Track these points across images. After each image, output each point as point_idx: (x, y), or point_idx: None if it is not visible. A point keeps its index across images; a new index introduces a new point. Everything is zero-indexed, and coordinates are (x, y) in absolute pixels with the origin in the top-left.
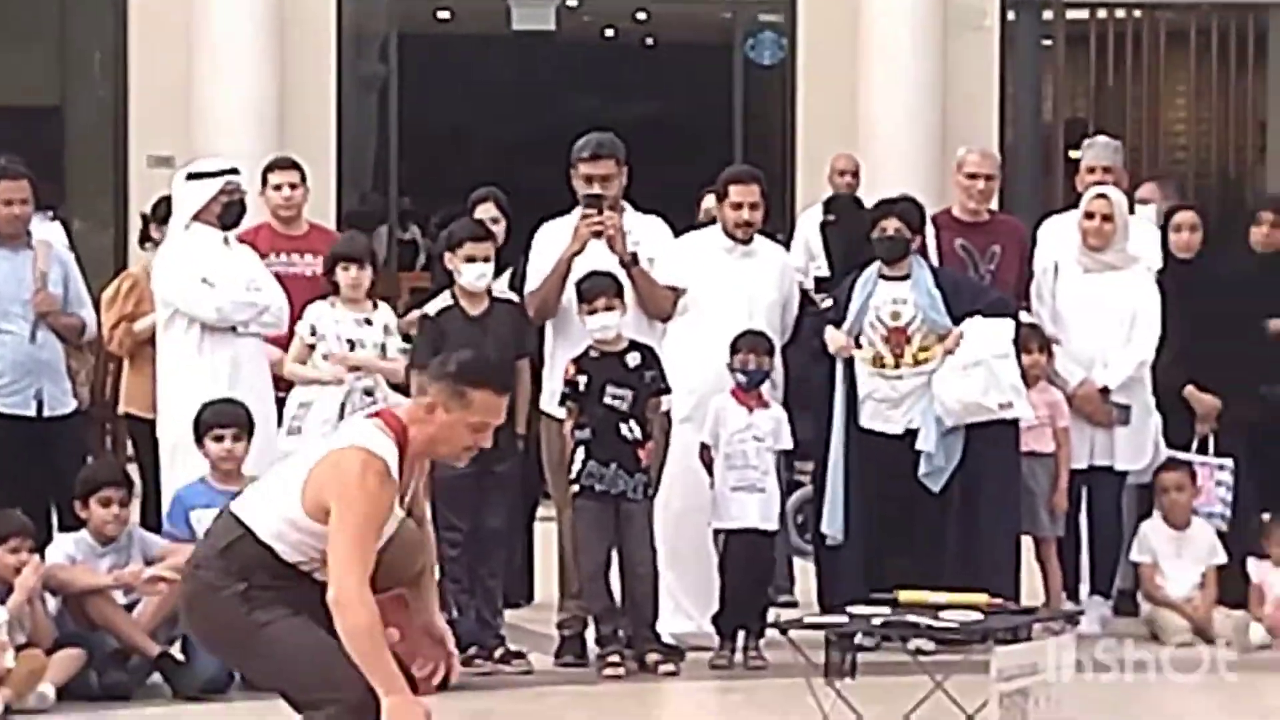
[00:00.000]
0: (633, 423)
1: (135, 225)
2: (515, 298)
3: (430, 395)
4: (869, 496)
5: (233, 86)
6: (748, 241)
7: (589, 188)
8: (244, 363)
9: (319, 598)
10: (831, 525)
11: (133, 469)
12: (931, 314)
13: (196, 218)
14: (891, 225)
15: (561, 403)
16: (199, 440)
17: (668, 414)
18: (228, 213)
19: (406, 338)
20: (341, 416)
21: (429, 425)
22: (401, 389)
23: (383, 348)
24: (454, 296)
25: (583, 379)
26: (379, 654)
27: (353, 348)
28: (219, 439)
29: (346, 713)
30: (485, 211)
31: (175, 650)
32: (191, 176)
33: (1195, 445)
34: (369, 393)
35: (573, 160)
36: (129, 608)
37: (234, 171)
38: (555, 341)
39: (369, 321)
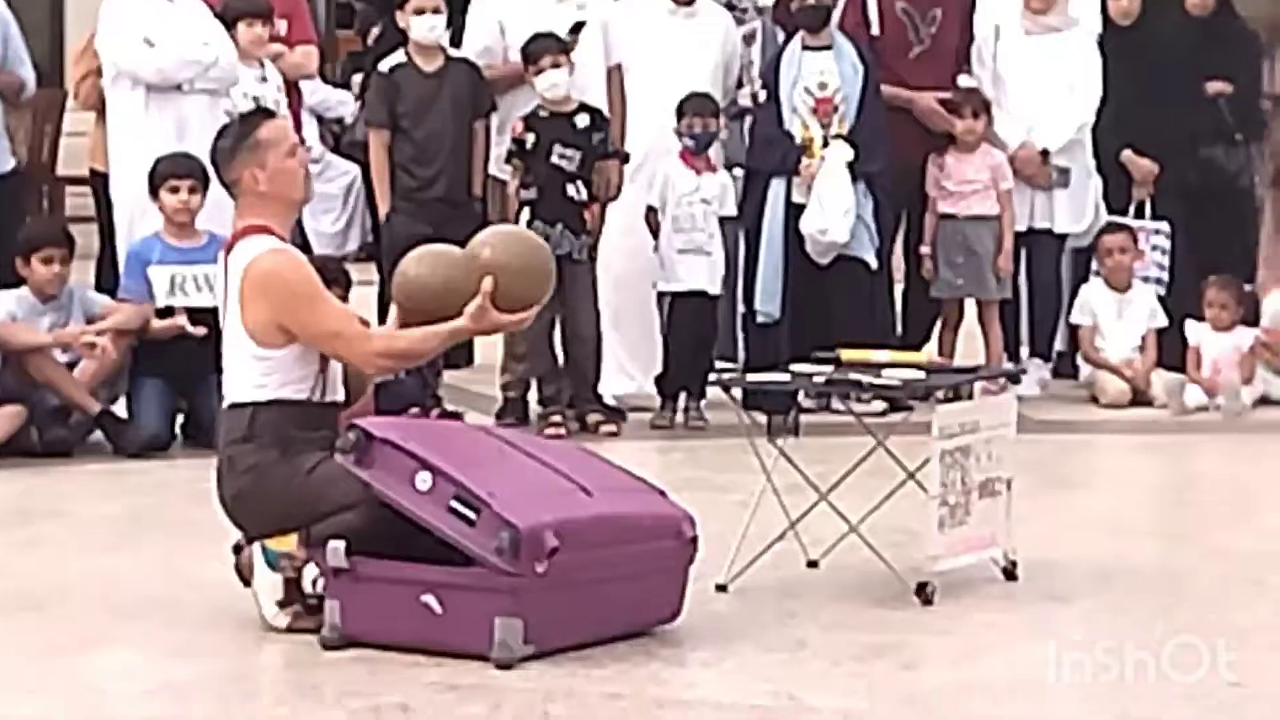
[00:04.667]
0: (579, 183)
1: None
2: (470, 56)
3: (240, 172)
4: (800, 274)
5: None
6: (690, 3)
7: None
8: (192, 121)
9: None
10: (766, 303)
11: (93, 227)
12: (855, 83)
13: None
14: None
15: (508, 160)
16: (154, 192)
17: (620, 180)
18: None
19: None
20: None
21: (266, 193)
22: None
23: (275, 104)
24: (407, 54)
25: (530, 137)
26: (430, 338)
27: (257, 105)
28: (174, 190)
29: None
30: None
31: (118, 409)
32: None
33: (1133, 209)
34: None
35: None
36: (70, 366)
37: None
38: (505, 107)
39: (265, 79)
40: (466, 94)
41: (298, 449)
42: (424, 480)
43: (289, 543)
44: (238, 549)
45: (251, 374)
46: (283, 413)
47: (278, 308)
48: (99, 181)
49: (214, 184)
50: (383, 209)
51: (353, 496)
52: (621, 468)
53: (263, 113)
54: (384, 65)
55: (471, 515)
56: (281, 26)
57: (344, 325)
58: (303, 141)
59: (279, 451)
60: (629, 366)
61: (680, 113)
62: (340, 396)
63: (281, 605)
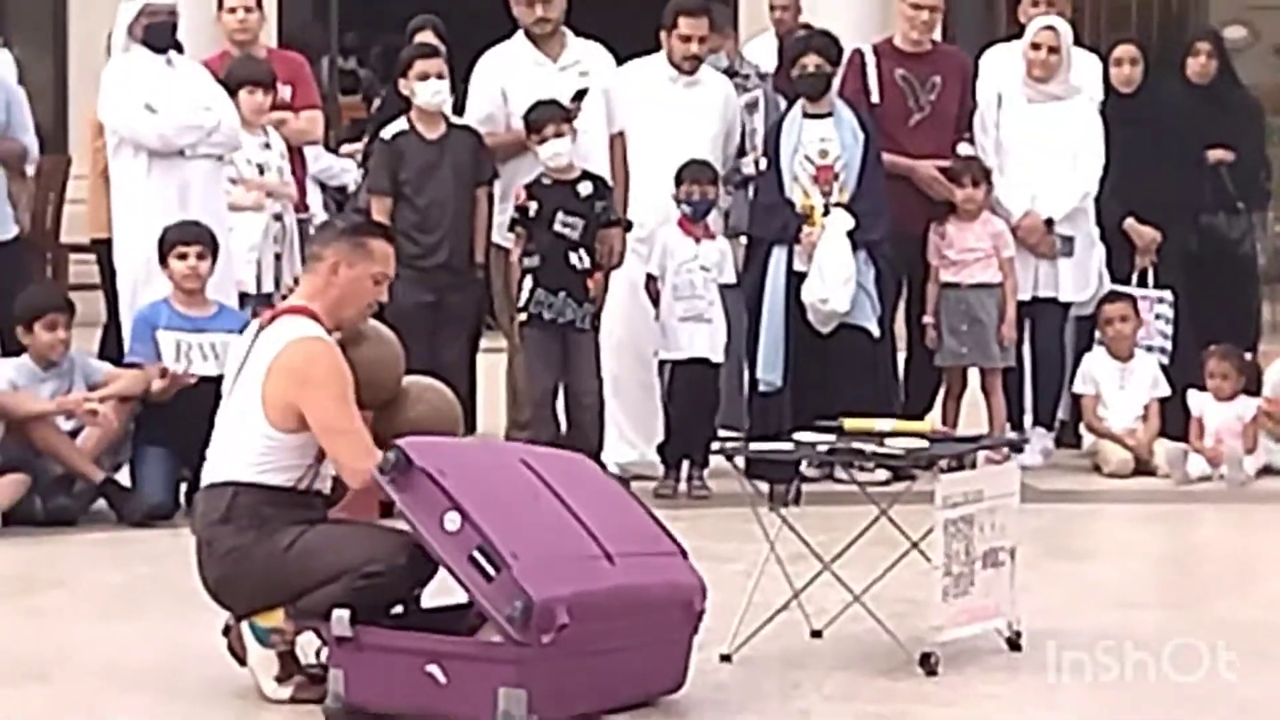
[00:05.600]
0: (582, 251)
1: (75, 52)
2: (473, 124)
3: (329, 256)
4: (803, 342)
5: None
6: (692, 72)
7: (531, 11)
8: (195, 187)
9: (323, 511)
10: (768, 371)
11: (97, 295)
12: (855, 151)
13: (132, 39)
14: (811, 61)
15: (510, 228)
16: (163, 260)
17: (623, 248)
18: (151, 34)
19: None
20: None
21: (332, 288)
22: None
23: (279, 171)
24: (410, 121)
25: (533, 205)
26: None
27: (262, 172)
28: (183, 256)
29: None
30: (425, 39)
31: (121, 477)
32: None
33: (1135, 278)
34: (278, 217)
35: None
36: (73, 434)
37: None
38: (508, 174)
39: (268, 146)
40: (468, 161)
41: (273, 527)
42: (453, 521)
43: (276, 618)
44: (227, 630)
45: (250, 452)
46: (262, 495)
47: (302, 392)
48: (101, 249)
49: (222, 252)
50: None
51: (334, 568)
52: (652, 515)
53: (385, 231)
54: (386, 132)
55: (491, 571)
56: (285, 92)
57: (353, 429)
58: (306, 208)
59: (255, 531)
60: (630, 434)
61: (679, 180)
62: (326, 488)
63: (280, 679)
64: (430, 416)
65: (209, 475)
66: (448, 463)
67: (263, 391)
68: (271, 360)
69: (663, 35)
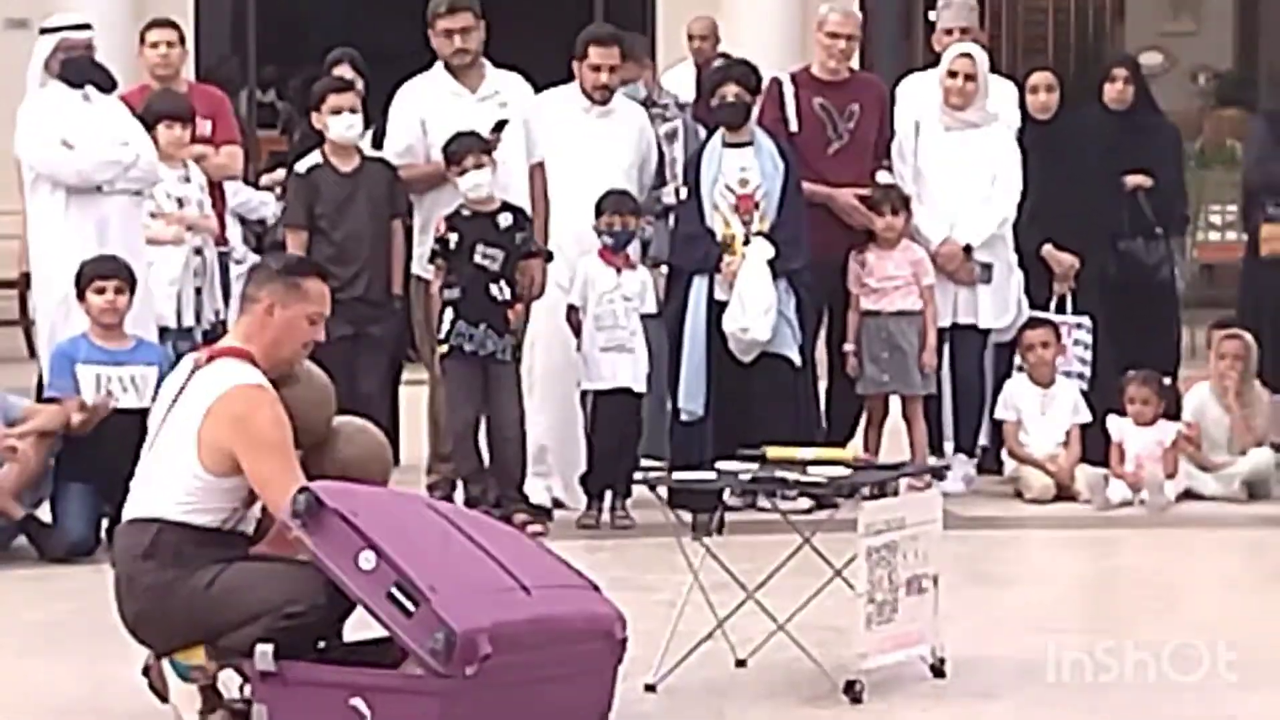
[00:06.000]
0: (503, 283)
1: None
2: (387, 156)
3: (264, 297)
4: (724, 371)
5: None
6: (605, 102)
7: (449, 43)
8: (113, 222)
9: (244, 549)
10: (690, 401)
11: (16, 330)
12: (775, 180)
13: (49, 74)
14: (730, 91)
15: (431, 260)
16: (80, 295)
17: (543, 279)
18: (68, 69)
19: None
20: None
21: (268, 330)
22: None
23: (199, 205)
24: (324, 155)
25: (453, 237)
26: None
27: (181, 205)
28: (100, 291)
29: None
30: (342, 73)
31: (41, 513)
32: (43, 31)
33: (1054, 304)
34: (198, 251)
35: (430, 17)
36: None
37: (82, 27)
38: (427, 205)
39: (188, 179)
40: (383, 193)
41: (195, 565)
42: (367, 560)
43: (198, 655)
44: (146, 670)
45: (177, 491)
46: (185, 535)
47: (241, 441)
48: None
49: (140, 287)
50: None
51: (255, 607)
52: (559, 558)
53: (318, 270)
54: (301, 166)
55: (410, 606)
56: (205, 127)
57: (290, 475)
58: (225, 242)
59: (176, 570)
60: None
61: (599, 210)
62: (250, 530)
63: (203, 714)
64: (361, 458)
65: (132, 510)
66: (359, 504)
67: (198, 433)
68: (211, 403)
69: (575, 65)
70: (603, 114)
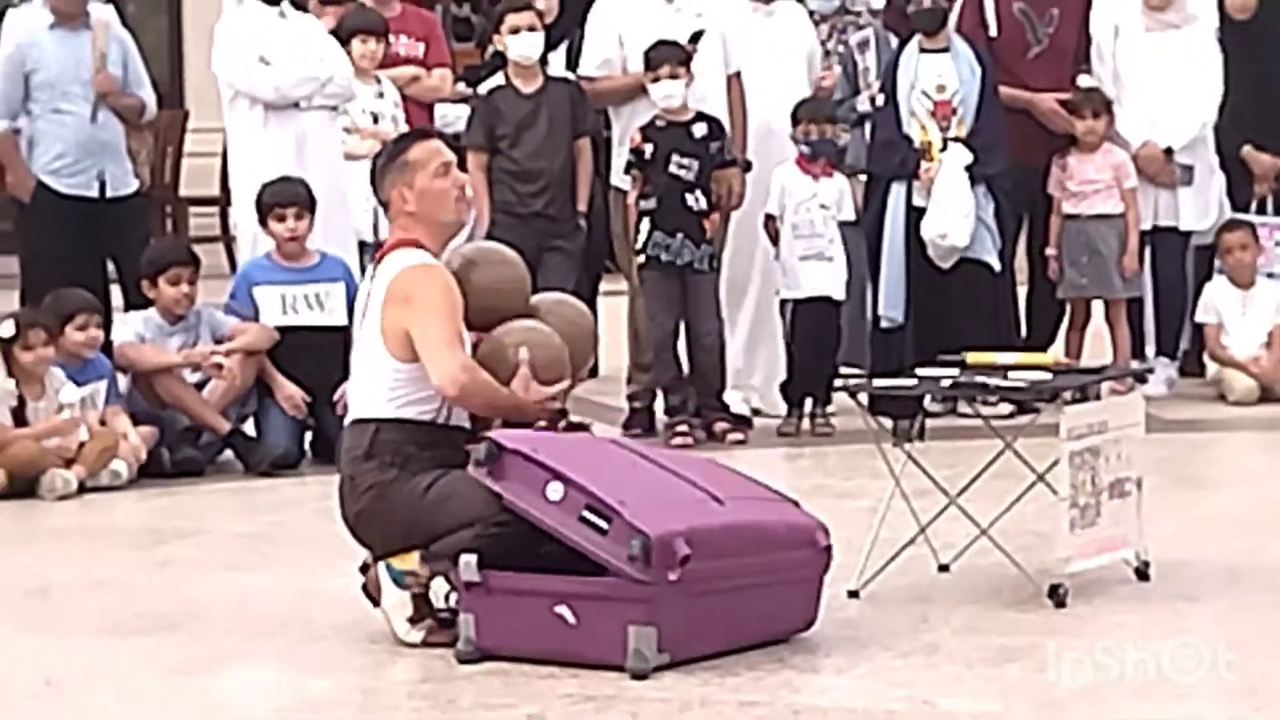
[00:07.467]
0: (698, 193)
1: (189, 7)
2: (571, 76)
3: (391, 191)
4: (923, 278)
5: None
6: (769, 0)
7: None
8: (310, 137)
9: (463, 449)
10: (890, 308)
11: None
12: (973, 86)
13: None
14: None
15: (626, 171)
16: (263, 221)
17: (742, 188)
18: None
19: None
20: None
21: (413, 210)
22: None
23: (393, 119)
24: (506, 76)
25: (648, 147)
26: (499, 395)
27: (376, 121)
28: (281, 219)
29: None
30: None
31: (247, 427)
32: None
33: (1255, 205)
34: None
35: None
36: (199, 386)
37: None
38: (625, 118)
39: (381, 95)
40: (565, 114)
41: (416, 467)
42: (555, 490)
43: (412, 560)
44: (364, 568)
45: (381, 387)
46: (404, 431)
47: (408, 314)
48: None
49: (335, 202)
50: (482, 225)
51: (467, 515)
52: (753, 479)
53: (418, 134)
54: (484, 87)
55: (603, 524)
56: (418, 49)
57: (447, 340)
58: None
59: (397, 470)
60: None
61: (795, 119)
62: (465, 423)
63: (413, 621)
64: (564, 329)
65: (353, 412)
66: (540, 442)
67: (381, 325)
68: (385, 293)
69: None
70: (767, 14)
